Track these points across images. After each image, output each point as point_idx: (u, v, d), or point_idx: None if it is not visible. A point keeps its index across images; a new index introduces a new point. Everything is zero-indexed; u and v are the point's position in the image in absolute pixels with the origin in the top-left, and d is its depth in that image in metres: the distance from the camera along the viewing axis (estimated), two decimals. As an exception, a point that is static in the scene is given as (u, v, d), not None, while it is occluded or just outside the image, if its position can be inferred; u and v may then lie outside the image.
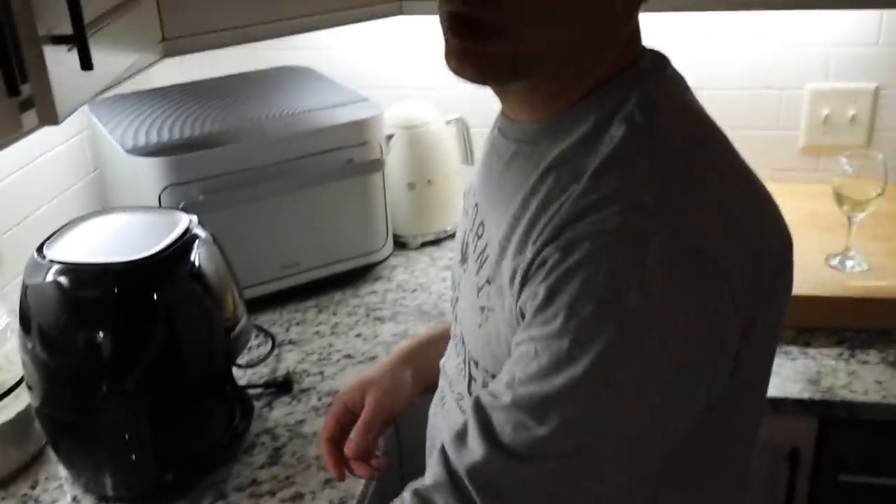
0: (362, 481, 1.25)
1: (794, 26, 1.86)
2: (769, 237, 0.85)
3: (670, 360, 0.76)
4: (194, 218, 1.27)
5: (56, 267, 1.17)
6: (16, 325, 1.25)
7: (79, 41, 0.94)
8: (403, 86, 2.03)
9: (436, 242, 1.96)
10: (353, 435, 1.14)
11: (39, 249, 1.20)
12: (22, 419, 1.31)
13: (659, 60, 0.89)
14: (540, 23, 0.78)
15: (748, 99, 1.92)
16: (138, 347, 1.18)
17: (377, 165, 1.74)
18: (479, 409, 0.84)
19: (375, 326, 1.67)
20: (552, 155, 0.85)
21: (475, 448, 0.82)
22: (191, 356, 1.23)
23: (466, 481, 0.82)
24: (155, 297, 1.18)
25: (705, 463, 0.89)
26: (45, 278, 1.16)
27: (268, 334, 1.63)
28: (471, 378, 0.98)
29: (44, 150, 1.65)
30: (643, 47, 0.89)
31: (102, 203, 1.83)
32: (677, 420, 0.80)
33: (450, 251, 1.90)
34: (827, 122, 1.90)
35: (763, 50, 1.89)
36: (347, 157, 1.69)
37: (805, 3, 1.50)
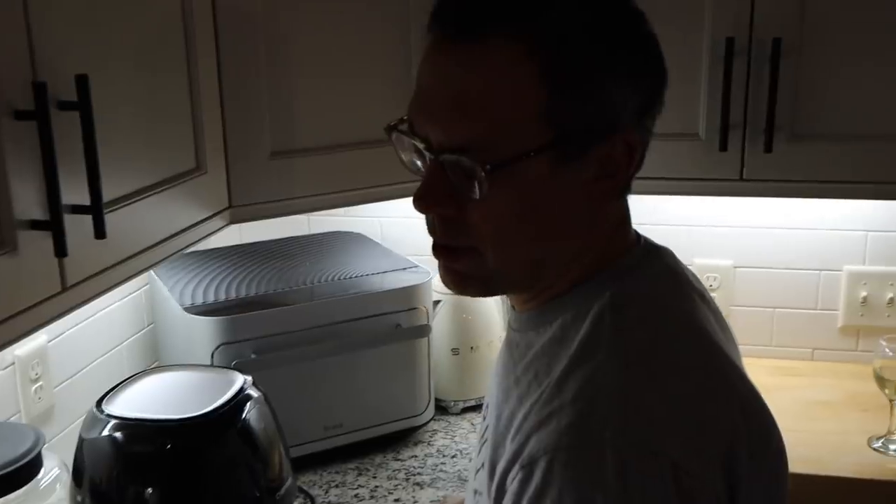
0: None
1: (832, 210, 1.91)
2: (745, 424, 0.83)
3: None
4: (249, 378, 1.31)
5: (113, 422, 1.20)
6: (64, 476, 1.28)
7: (94, 210, 0.97)
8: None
9: (477, 408, 1.97)
10: None
11: (98, 404, 1.24)
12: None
13: (647, 258, 0.91)
14: (500, 242, 0.84)
15: (788, 278, 1.96)
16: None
17: (424, 331, 1.78)
18: None
19: (415, 492, 1.67)
20: (534, 348, 0.88)
21: None
22: (235, 516, 1.25)
23: None
24: (206, 454, 1.21)
25: None
26: (101, 433, 1.20)
27: (308, 496, 1.64)
28: None
29: (102, 305, 1.71)
30: (634, 239, 0.92)
31: (155, 356, 1.88)
32: None
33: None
34: (865, 304, 1.92)
35: (802, 231, 1.94)
36: (395, 322, 1.74)
37: (838, 193, 1.56)
